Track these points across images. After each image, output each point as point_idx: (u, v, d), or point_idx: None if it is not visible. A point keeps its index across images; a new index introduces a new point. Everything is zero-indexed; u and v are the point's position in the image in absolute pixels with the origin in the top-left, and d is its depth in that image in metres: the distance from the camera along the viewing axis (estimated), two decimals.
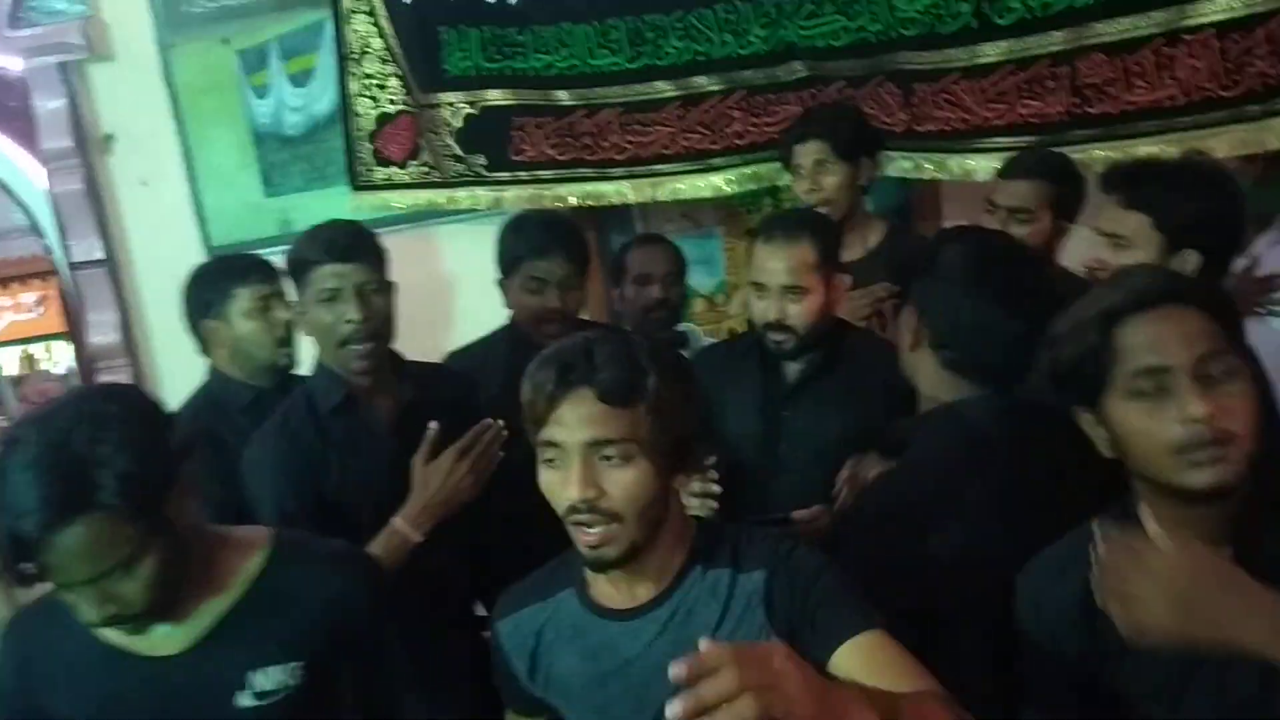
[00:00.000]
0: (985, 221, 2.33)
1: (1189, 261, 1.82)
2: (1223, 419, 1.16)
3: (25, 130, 3.41)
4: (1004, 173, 2.38)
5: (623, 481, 1.25)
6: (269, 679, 1.39)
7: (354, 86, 3.23)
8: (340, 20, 3.20)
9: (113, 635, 1.38)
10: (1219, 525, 1.23)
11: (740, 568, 1.36)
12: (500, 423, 2.02)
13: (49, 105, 3.38)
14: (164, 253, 3.43)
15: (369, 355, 1.99)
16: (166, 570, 1.29)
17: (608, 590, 1.38)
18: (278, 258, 2.22)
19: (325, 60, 3.39)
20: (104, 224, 3.49)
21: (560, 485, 1.26)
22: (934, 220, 3.18)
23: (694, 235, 3.56)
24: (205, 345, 2.35)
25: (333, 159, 3.43)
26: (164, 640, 1.39)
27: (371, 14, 3.15)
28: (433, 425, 1.98)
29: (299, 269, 2.00)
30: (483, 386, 2.28)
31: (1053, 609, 1.33)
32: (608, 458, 1.25)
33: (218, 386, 2.32)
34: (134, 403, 1.32)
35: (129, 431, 1.24)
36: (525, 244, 2.34)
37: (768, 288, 2.05)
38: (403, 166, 3.26)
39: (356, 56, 3.21)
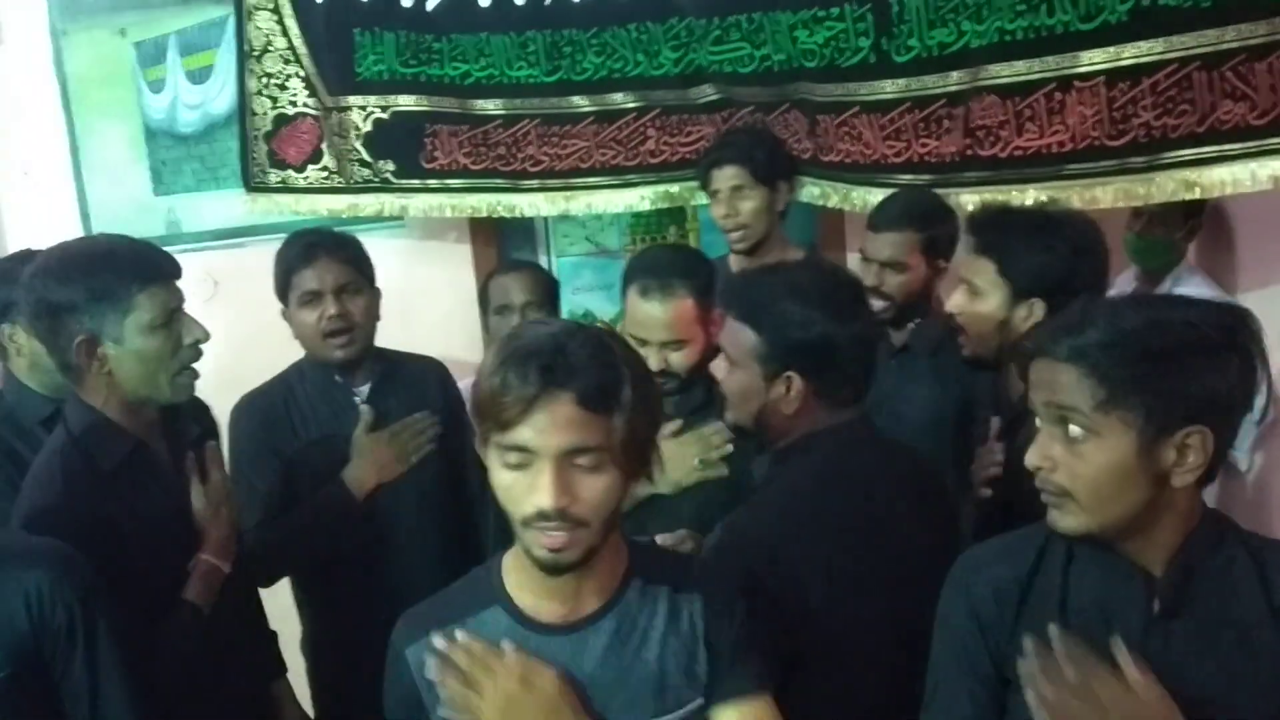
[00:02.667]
0: (860, 270, 2.35)
1: (1035, 311, 1.86)
2: None
3: None
4: (871, 224, 2.42)
5: (594, 488, 1.23)
6: None
7: (252, 85, 3.16)
8: (242, 16, 3.12)
9: None
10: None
11: (677, 587, 1.37)
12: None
13: None
14: (44, 245, 3.27)
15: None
16: None
17: (543, 604, 1.33)
18: None
19: (225, 58, 3.32)
20: None
21: (527, 491, 1.22)
22: (839, 250, 3.20)
23: (598, 258, 3.54)
24: (3, 352, 2.19)
25: (227, 160, 3.36)
26: None
27: (276, 11, 3.08)
28: (190, 458, 1.86)
29: None
30: (296, 432, 2.25)
31: (985, 587, 1.36)
32: (579, 464, 1.22)
33: (13, 398, 2.18)
34: None
35: None
36: (290, 261, 2.24)
37: (649, 342, 2.00)
38: (300, 170, 3.19)
39: (257, 54, 3.13)
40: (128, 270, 1.69)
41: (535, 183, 3.04)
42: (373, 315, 2.30)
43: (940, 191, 2.44)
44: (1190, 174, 2.14)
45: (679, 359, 2.01)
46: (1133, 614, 1.26)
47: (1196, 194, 2.16)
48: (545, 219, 3.42)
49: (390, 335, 2.40)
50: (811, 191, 2.79)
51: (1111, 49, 2.16)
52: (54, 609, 1.43)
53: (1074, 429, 1.21)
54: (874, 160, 2.58)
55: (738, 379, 1.68)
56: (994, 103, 2.34)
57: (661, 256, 2.15)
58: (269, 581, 2.26)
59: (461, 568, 1.47)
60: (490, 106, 3.01)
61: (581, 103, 2.95)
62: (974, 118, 2.37)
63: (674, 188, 2.97)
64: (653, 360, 1.98)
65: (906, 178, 2.54)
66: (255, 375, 2.35)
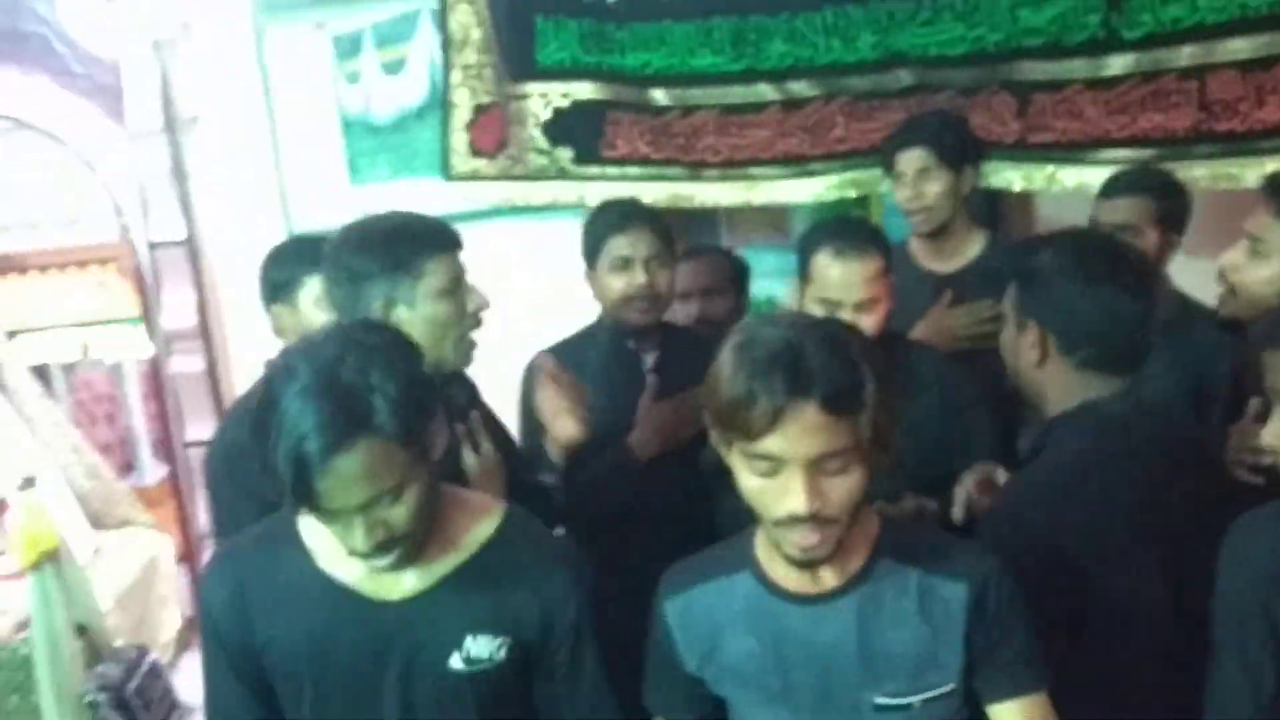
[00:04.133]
0: None
1: None
2: None
3: (114, 107, 3.41)
4: (1105, 191, 2.34)
5: (842, 488, 1.24)
6: (480, 647, 1.40)
7: (455, 76, 3.22)
8: (445, 8, 3.20)
9: (337, 571, 1.40)
10: None
11: (930, 570, 1.35)
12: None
13: (139, 82, 3.37)
14: (244, 237, 3.41)
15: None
16: (427, 501, 1.33)
17: (790, 574, 1.35)
18: None
19: (418, 50, 3.39)
20: (186, 205, 3.47)
21: (778, 495, 1.24)
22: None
23: (781, 246, 3.53)
24: (277, 329, 2.26)
25: (420, 150, 3.43)
26: (390, 584, 1.40)
27: (473, 2, 3.14)
28: (474, 416, 1.93)
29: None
30: (582, 382, 2.25)
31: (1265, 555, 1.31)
32: (828, 468, 1.23)
33: None
34: (392, 336, 1.37)
35: (394, 360, 1.29)
36: (606, 223, 2.32)
37: (841, 303, 2.01)
38: (493, 158, 3.24)
39: (458, 46, 3.19)
40: (420, 240, 1.80)
41: (715, 172, 3.02)
42: (672, 288, 2.37)
43: (1167, 166, 2.38)
44: None
45: (870, 321, 1.99)
46: None
47: None
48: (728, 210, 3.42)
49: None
50: (1009, 176, 2.69)
51: None
52: (562, 608, 1.43)
53: None
54: (1095, 137, 2.50)
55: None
56: (1233, 77, 2.25)
57: (845, 221, 2.22)
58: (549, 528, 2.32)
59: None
60: (668, 97, 2.99)
61: (767, 91, 2.90)
62: (1210, 91, 2.30)
63: (861, 175, 2.89)
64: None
65: (1129, 153, 2.45)
66: None
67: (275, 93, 3.46)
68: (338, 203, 3.50)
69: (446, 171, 3.30)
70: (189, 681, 3.74)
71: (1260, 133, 2.26)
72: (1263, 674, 1.33)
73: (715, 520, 2.36)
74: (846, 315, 1.98)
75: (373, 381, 1.24)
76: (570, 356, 2.38)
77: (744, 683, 1.37)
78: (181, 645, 4.60)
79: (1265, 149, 2.26)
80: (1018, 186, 2.69)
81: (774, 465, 1.23)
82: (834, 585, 1.34)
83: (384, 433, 1.24)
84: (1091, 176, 2.51)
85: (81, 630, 3.33)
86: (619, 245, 2.30)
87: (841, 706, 1.34)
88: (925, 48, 2.69)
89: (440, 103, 3.34)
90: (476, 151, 3.26)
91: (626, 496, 2.28)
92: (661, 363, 2.39)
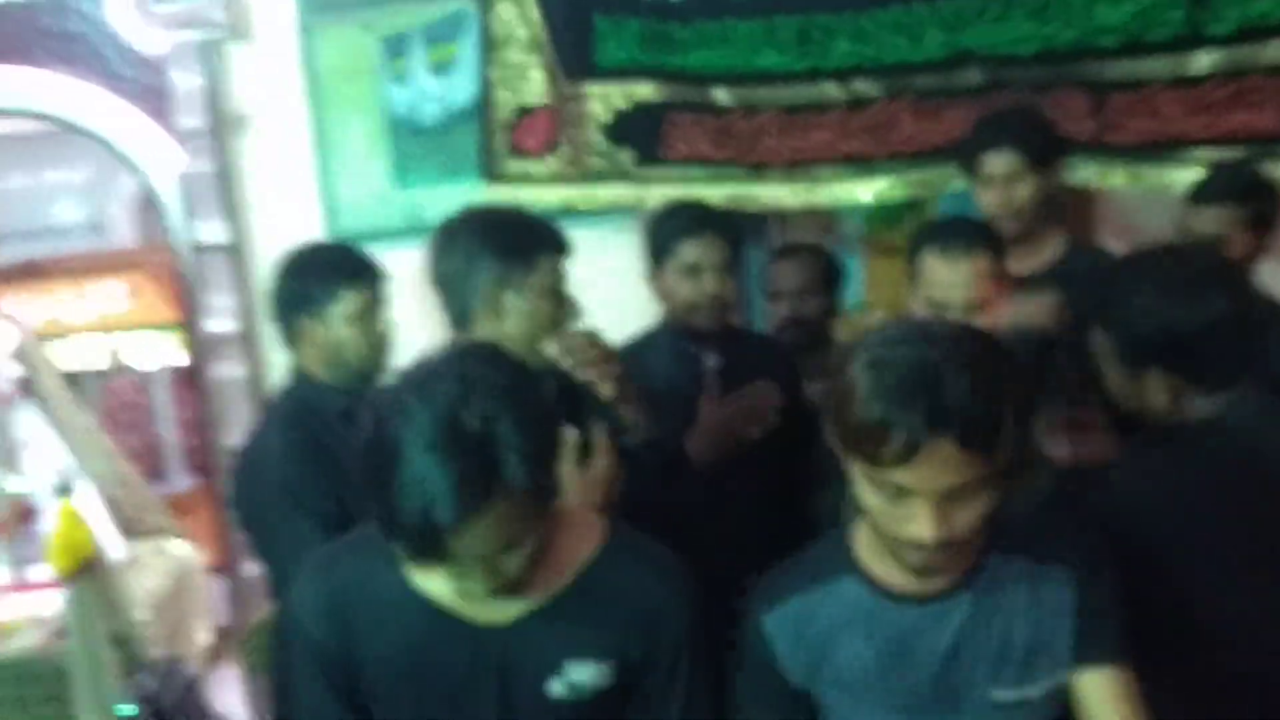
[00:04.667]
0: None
1: None
2: None
3: (160, 108, 3.36)
4: (1195, 198, 2.32)
5: (970, 516, 1.21)
6: (583, 673, 1.34)
7: (494, 76, 3.17)
8: (485, 7, 3.15)
9: (437, 592, 1.33)
10: None
11: (1037, 558, 1.33)
12: None
13: (186, 83, 3.33)
14: (289, 240, 3.35)
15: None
16: (542, 540, 1.28)
17: (898, 575, 1.32)
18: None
19: (466, 51, 3.34)
20: (231, 208, 3.42)
21: (903, 520, 1.21)
22: (1084, 236, 3.07)
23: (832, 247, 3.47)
24: (295, 343, 2.16)
25: (468, 153, 3.37)
26: (492, 609, 1.33)
27: (518, 3, 3.10)
28: (572, 431, 1.89)
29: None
30: (644, 385, 2.21)
31: None
32: (959, 498, 1.19)
33: (309, 393, 2.13)
34: (513, 369, 1.26)
35: (520, 403, 1.19)
36: (677, 227, 2.29)
37: (950, 305, 1.97)
38: (539, 159, 3.19)
39: (499, 46, 3.15)
40: (538, 235, 1.88)
41: (778, 173, 2.96)
42: (735, 293, 2.37)
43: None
44: None
45: (981, 323, 1.93)
46: None
47: None
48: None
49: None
50: (1084, 174, 2.64)
51: None
52: (669, 625, 1.38)
53: None
54: (1174, 136, 2.45)
55: (1112, 380, 1.63)
56: None
57: (956, 220, 2.18)
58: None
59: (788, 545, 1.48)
60: (730, 97, 2.94)
61: (831, 90, 2.85)
62: None
63: (928, 175, 2.83)
64: None
65: (1212, 153, 2.40)
66: None
67: (322, 94, 3.41)
68: (382, 207, 3.46)
69: (487, 173, 3.25)
70: (219, 692, 3.68)
71: None
72: None
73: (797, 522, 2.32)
74: (955, 316, 1.94)
75: (501, 432, 1.16)
76: (631, 359, 2.33)
77: (855, 688, 1.35)
78: (213, 657, 4.56)
79: None
80: (1095, 184, 2.63)
81: (900, 492, 1.19)
82: (946, 585, 1.31)
83: (516, 489, 1.17)
84: (1175, 176, 2.45)
85: (119, 640, 3.27)
86: (690, 251, 2.26)
87: (959, 705, 1.32)
88: (995, 45, 2.64)
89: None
90: (519, 153, 3.21)
91: (681, 501, 2.22)
92: (724, 365, 2.35)
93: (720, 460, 2.24)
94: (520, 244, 1.86)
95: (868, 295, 3.46)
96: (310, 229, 3.42)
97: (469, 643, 1.34)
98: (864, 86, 2.82)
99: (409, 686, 1.37)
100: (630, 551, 1.41)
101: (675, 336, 2.36)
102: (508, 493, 1.16)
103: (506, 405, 1.17)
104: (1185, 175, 2.43)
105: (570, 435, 1.88)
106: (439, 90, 3.40)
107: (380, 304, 2.18)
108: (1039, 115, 2.55)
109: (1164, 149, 2.49)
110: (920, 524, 1.19)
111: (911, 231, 2.14)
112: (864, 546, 1.35)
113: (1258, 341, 1.63)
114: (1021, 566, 1.32)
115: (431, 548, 1.17)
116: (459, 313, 1.91)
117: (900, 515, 1.20)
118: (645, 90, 3.02)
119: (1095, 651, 1.32)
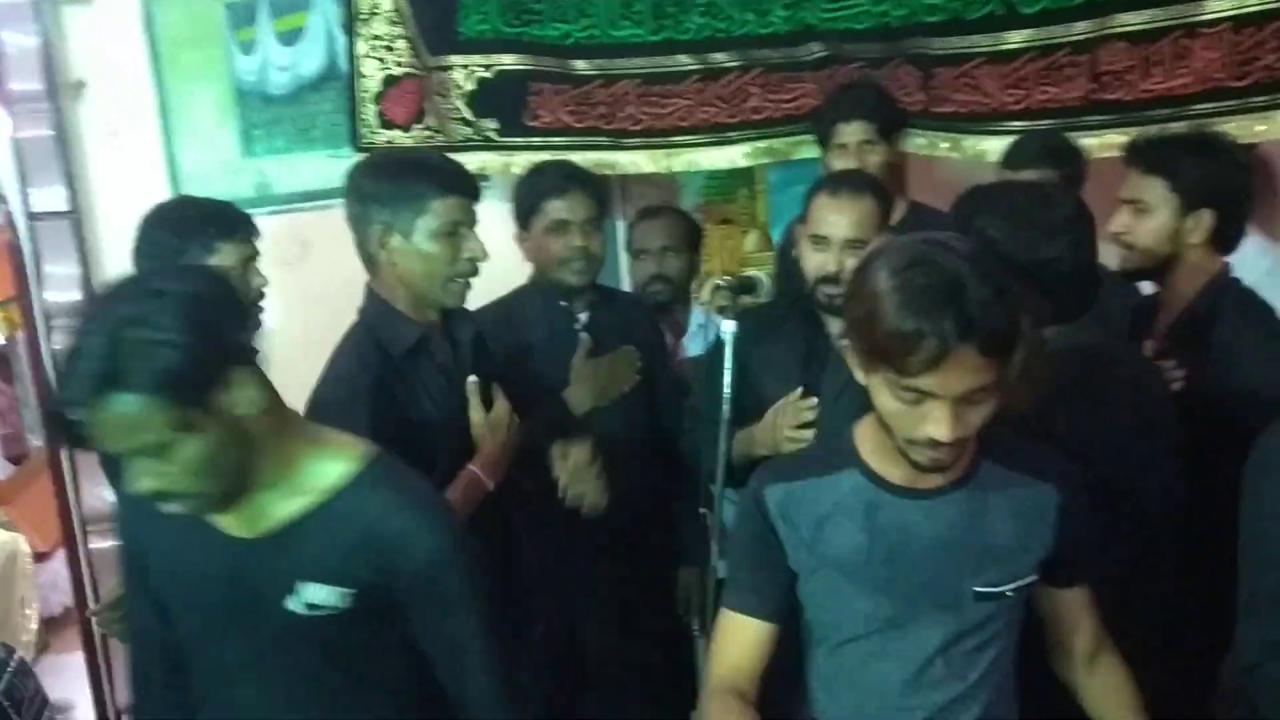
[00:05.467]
0: None
1: (1204, 220, 2.02)
2: None
3: None
4: (1007, 163, 2.53)
5: (978, 418, 1.33)
6: (318, 594, 1.39)
7: (361, 48, 3.19)
8: None
9: None
10: None
11: (1026, 470, 1.48)
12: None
13: (19, 44, 3.17)
14: (131, 209, 3.25)
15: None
16: (211, 460, 1.29)
17: (897, 470, 1.44)
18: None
19: (316, 20, 3.34)
20: (70, 174, 3.30)
21: (919, 420, 1.31)
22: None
23: None
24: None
25: (317, 122, 3.38)
26: (237, 523, 1.41)
27: None
28: (471, 380, 2.01)
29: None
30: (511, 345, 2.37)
31: None
32: (971, 400, 1.31)
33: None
34: (204, 287, 1.32)
35: (184, 319, 1.24)
36: (545, 185, 2.41)
37: (829, 240, 2.15)
38: (406, 130, 3.23)
39: (365, 17, 3.17)
40: (431, 178, 1.86)
41: (637, 140, 3.11)
42: (604, 250, 2.49)
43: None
44: None
45: (854, 263, 2.13)
46: None
47: None
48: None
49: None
50: (918, 142, 2.89)
51: None
52: (418, 559, 1.41)
53: None
54: (993, 109, 2.72)
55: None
56: (1122, 49, 2.50)
57: (850, 171, 2.38)
58: None
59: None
60: (590, 67, 3.07)
61: (685, 61, 3.02)
62: (1100, 63, 2.53)
63: (776, 143, 3.04)
64: (830, 263, 2.13)
65: (1025, 124, 2.67)
66: None
67: (166, 60, 3.32)
68: (231, 175, 3.41)
69: (355, 143, 3.26)
70: (50, 681, 3.56)
71: (1147, 102, 2.51)
72: None
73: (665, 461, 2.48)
74: (833, 254, 2.10)
75: (146, 340, 1.21)
76: (503, 316, 2.43)
77: (847, 568, 1.45)
78: (41, 645, 4.38)
79: (1152, 118, 2.50)
80: (925, 153, 2.89)
81: (921, 396, 1.29)
82: (942, 482, 1.43)
83: (140, 394, 1.22)
84: (990, 145, 2.73)
85: None
86: (557, 208, 2.37)
87: (943, 595, 1.44)
88: (834, 22, 2.87)
89: (340, 74, 3.31)
90: (387, 123, 3.24)
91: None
92: (594, 322, 2.49)
93: (594, 410, 2.39)
94: (409, 187, 1.87)
95: (703, 263, 3.60)
96: (154, 198, 3.33)
97: (219, 553, 1.41)
98: (717, 58, 3.00)
99: (176, 590, 1.46)
100: (382, 481, 1.43)
101: (546, 294, 2.47)
102: (131, 393, 1.21)
103: (168, 317, 1.23)
104: (1000, 144, 2.69)
105: (471, 383, 1.98)
106: (287, 59, 3.38)
107: (255, 259, 2.20)
108: (884, 90, 2.80)
109: (983, 119, 2.77)
110: (938, 424, 1.29)
111: (808, 188, 2.29)
112: (865, 445, 1.46)
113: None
114: (1011, 476, 1.46)
115: (72, 422, 1.25)
116: (364, 258, 1.97)
117: (917, 416, 1.30)
118: (508, 61, 3.10)
119: (1073, 572, 1.52)
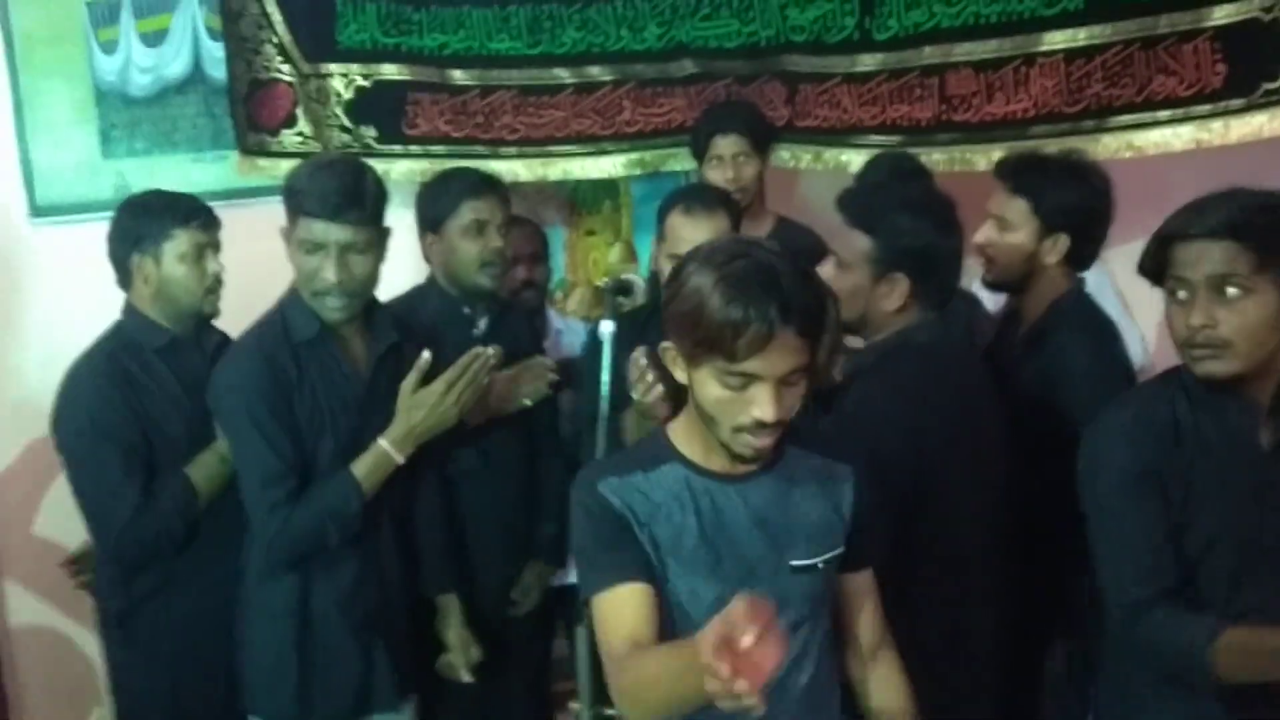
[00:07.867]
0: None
1: (1060, 243, 2.22)
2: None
3: None
4: (860, 180, 2.73)
5: (794, 399, 1.44)
6: None
7: (232, 48, 3.17)
8: None
9: None
10: None
11: (825, 454, 1.61)
12: (489, 351, 2.14)
13: None
14: None
15: (344, 309, 2.09)
16: None
17: (713, 459, 1.54)
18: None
19: (181, 22, 3.30)
20: None
21: (746, 406, 1.41)
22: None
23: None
24: (127, 280, 2.29)
25: (180, 124, 3.34)
26: None
27: None
28: (425, 355, 2.07)
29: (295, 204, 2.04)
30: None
31: (1146, 429, 1.64)
32: (789, 381, 1.41)
33: (133, 326, 2.28)
34: None
35: None
36: (460, 189, 2.45)
37: None
38: (274, 134, 3.22)
39: (234, 18, 3.14)
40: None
41: (514, 150, 3.19)
42: (509, 256, 2.54)
43: (912, 151, 2.81)
44: (1131, 136, 2.57)
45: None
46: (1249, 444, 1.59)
47: (1133, 153, 2.62)
48: None
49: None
50: (782, 155, 3.07)
51: (1069, 31, 2.57)
52: None
53: (1231, 290, 1.50)
54: (850, 124, 2.91)
55: (848, 280, 1.94)
56: (968, 75, 2.72)
57: (699, 185, 2.50)
58: None
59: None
60: (467, 77, 3.14)
61: (561, 74, 3.13)
62: (949, 87, 2.75)
63: (648, 155, 3.19)
64: None
65: (881, 139, 2.88)
66: None
67: (21, 57, 3.20)
68: (89, 177, 3.32)
69: (240, 145, 3.24)
70: None
71: (991, 124, 2.73)
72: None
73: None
74: None
75: None
76: (402, 313, 2.45)
77: (682, 556, 1.52)
78: None
79: (995, 137, 2.73)
80: (787, 165, 3.08)
81: (747, 381, 1.40)
82: (754, 467, 1.54)
83: None
84: (851, 157, 2.92)
85: None
86: (476, 209, 2.41)
87: (764, 571, 1.53)
88: (705, 40, 3.02)
89: (205, 78, 3.30)
90: (256, 126, 3.22)
91: (457, 457, 2.42)
92: (492, 330, 2.52)
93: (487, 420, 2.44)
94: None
95: (568, 274, 3.68)
96: (7, 199, 3.23)
97: None
98: (591, 72, 3.11)
99: None
100: None
101: (446, 298, 2.50)
102: None
103: None
104: (857, 157, 2.90)
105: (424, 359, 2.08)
106: (150, 60, 3.31)
107: (212, 247, 2.29)
108: (755, 106, 2.96)
109: (841, 134, 2.96)
110: (762, 406, 1.38)
111: (662, 201, 2.41)
112: (681, 442, 1.55)
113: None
114: (812, 459, 1.58)
115: None
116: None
117: (742, 402, 1.40)
118: (388, 70, 3.14)
119: (860, 554, 1.63)
